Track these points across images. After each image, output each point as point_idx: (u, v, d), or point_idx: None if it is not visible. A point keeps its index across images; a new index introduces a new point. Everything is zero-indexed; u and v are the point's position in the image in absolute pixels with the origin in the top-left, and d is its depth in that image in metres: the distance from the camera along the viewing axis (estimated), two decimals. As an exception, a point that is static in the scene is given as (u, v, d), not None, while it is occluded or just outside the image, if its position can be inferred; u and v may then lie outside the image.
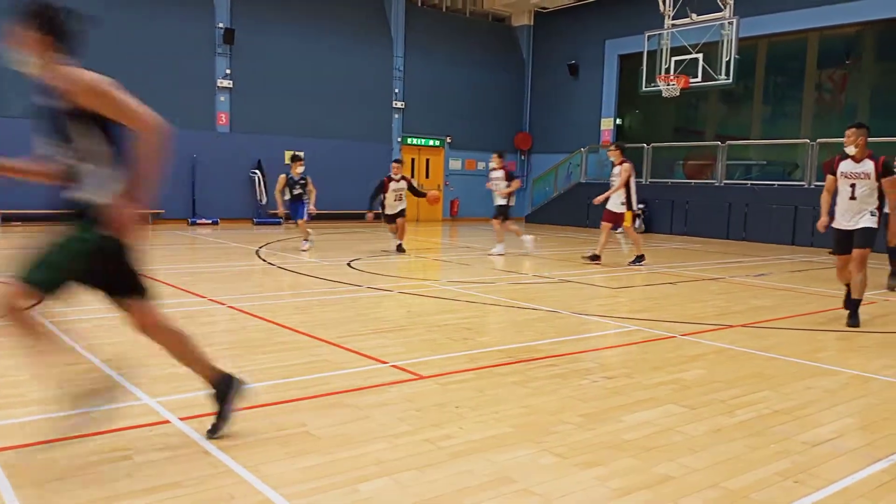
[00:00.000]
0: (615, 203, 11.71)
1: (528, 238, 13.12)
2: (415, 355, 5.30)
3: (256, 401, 4.12)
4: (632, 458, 3.41)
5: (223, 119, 19.30)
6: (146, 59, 17.80)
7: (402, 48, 22.44)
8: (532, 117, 25.63)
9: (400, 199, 12.95)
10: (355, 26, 21.44)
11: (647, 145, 21.08)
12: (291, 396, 4.22)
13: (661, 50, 17.93)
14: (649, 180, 20.85)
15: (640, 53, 18.64)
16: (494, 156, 13.51)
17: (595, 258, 11.74)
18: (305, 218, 12.78)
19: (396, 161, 13.12)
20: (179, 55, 18.40)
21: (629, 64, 21.87)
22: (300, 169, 12.86)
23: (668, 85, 17.68)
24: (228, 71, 19.17)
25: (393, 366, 4.95)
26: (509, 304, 7.66)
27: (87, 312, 6.60)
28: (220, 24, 18.97)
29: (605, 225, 11.92)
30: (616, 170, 11.75)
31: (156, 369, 4.71)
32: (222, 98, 19.21)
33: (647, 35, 18.50)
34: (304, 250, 12.50)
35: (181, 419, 3.74)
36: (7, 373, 4.54)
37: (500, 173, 13.11)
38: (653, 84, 18.22)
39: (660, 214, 20.05)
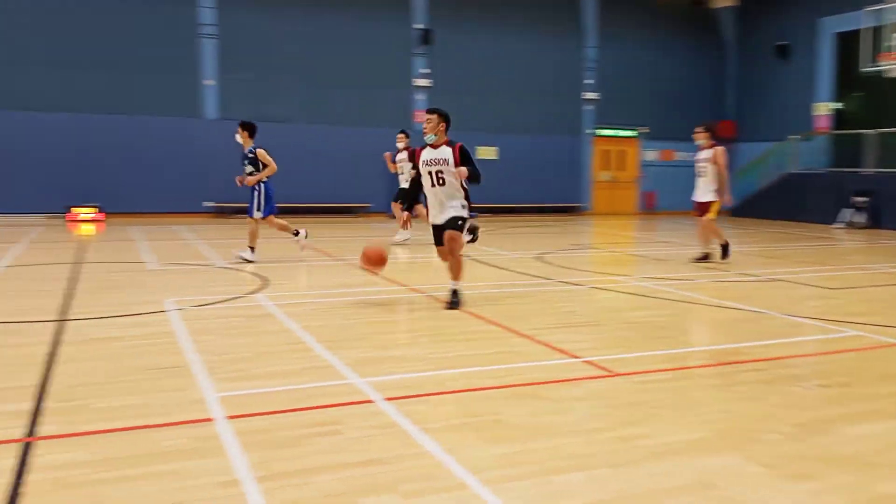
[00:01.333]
0: (704, 191, 10.31)
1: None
2: (608, 352, 5.21)
3: (451, 387, 4.28)
4: (850, 473, 3.12)
5: (422, 116, 20.09)
6: (347, 62, 19.00)
7: (594, 38, 22.03)
8: (735, 104, 24.06)
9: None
10: (546, 20, 21.37)
11: (872, 130, 19.00)
12: (485, 385, 4.33)
13: (884, 26, 16.05)
14: (876, 169, 18.78)
15: (860, 31, 16.80)
16: (401, 135, 12.57)
17: (705, 258, 10.37)
18: (254, 213, 9.69)
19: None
20: (377, 56, 19.42)
21: (847, 43, 19.82)
22: (239, 139, 9.78)
23: (893, 63, 15.80)
24: (426, 70, 19.91)
25: (585, 361, 4.90)
26: (711, 302, 7.28)
27: (301, 297, 7.21)
28: (418, 26, 19.75)
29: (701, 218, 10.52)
30: (704, 154, 10.38)
31: (364, 351, 5.04)
32: (419, 97, 20.00)
33: (866, 10, 16.64)
34: (244, 259, 9.63)
35: (386, 399, 3.98)
36: (234, 350, 5.08)
37: (405, 154, 11.91)
38: (874, 63, 16.36)
39: (891, 208, 17.93)
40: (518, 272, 9.18)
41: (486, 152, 20.78)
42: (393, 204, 12.80)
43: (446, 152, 6.81)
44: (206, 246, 11.45)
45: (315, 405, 3.89)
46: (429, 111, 7.02)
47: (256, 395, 4.08)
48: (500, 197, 20.67)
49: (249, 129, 9.70)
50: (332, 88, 18.87)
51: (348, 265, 9.65)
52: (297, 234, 10.13)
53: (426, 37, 19.65)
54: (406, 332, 5.74)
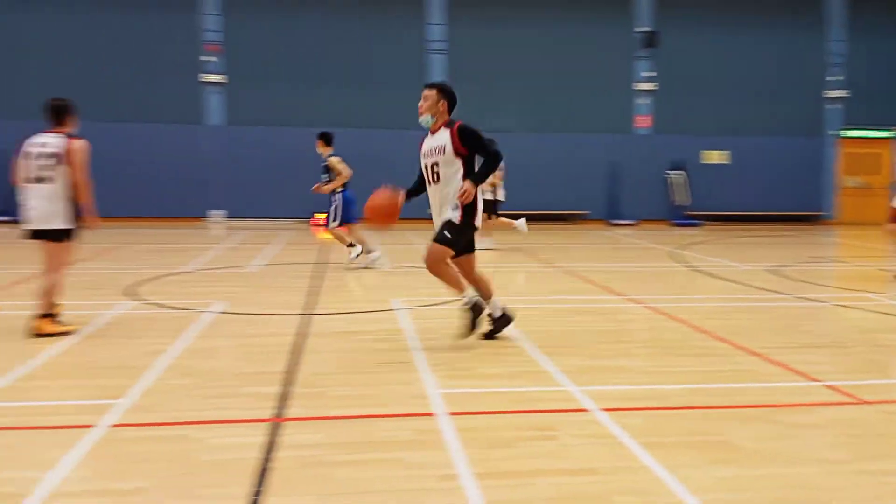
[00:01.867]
0: None
1: (521, 223, 12.34)
2: (854, 376, 4.70)
3: (673, 403, 4.12)
4: None
5: (643, 121, 19.55)
6: (567, 68, 18.96)
7: (841, 30, 19.91)
8: None
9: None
10: (784, 14, 19.72)
11: None
12: (709, 403, 4.11)
13: None
14: None
15: None
16: None
17: None
18: (330, 223, 9.82)
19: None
20: (598, 61, 19.17)
21: None
22: (318, 149, 9.88)
23: None
24: (651, 73, 19.30)
25: (827, 385, 4.46)
26: (984, 327, 6.29)
27: (518, 302, 7.33)
28: (642, 28, 19.20)
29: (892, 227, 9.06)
30: None
31: (581, 359, 5.02)
32: (642, 100, 19.45)
33: None
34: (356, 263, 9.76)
35: (602, 410, 3.93)
36: (454, 350, 5.29)
37: None
38: None
39: None
40: (749, 285, 8.58)
41: (716, 157, 19.72)
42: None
43: (443, 137, 5.20)
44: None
45: (531, 409, 3.95)
46: (427, 86, 5.35)
47: (475, 394, 4.23)
48: (731, 204, 19.48)
49: (325, 138, 9.80)
50: (552, 95, 18.99)
51: (565, 272, 9.64)
52: (351, 245, 9.81)
53: (651, 39, 19.06)
54: (624, 342, 5.62)
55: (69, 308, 6.07)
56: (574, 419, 3.80)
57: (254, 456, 3.27)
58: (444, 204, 5.28)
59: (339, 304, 7.08)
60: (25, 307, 6.02)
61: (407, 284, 8.66)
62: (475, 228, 5.30)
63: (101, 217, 5.97)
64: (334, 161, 9.61)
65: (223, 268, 9.84)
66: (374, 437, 3.53)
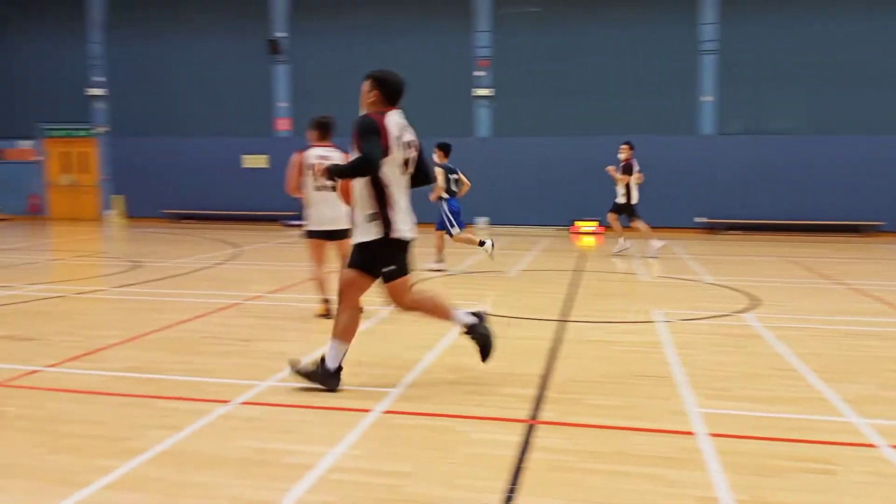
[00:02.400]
0: None
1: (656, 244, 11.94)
2: None
3: None
4: None
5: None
6: (854, 58, 16.88)
7: None
8: None
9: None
10: None
11: None
12: None
13: None
14: None
15: None
16: (623, 146, 12.28)
17: None
18: (452, 231, 10.25)
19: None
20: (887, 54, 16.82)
21: None
22: (435, 157, 10.15)
23: None
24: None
25: None
26: None
27: (794, 321, 6.71)
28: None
29: None
30: None
31: (867, 388, 4.48)
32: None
33: None
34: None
35: (892, 446, 3.46)
36: (718, 367, 5.00)
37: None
38: None
39: None
40: None
41: None
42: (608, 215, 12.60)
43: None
44: (695, 261, 11.50)
45: (805, 438, 3.60)
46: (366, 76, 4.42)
47: (740, 416, 3.96)
48: None
49: (444, 149, 10.20)
50: (839, 92, 17.03)
51: (852, 290, 8.60)
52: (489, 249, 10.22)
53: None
54: (886, 371, 4.89)
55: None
56: (857, 454, 3.40)
57: (509, 454, 3.39)
58: (356, 208, 4.35)
59: (596, 312, 7.05)
60: (313, 300, 6.84)
61: (669, 296, 8.36)
62: (393, 243, 4.29)
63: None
64: (438, 171, 10.04)
65: (485, 271, 10.28)
66: (628, 450, 3.47)
